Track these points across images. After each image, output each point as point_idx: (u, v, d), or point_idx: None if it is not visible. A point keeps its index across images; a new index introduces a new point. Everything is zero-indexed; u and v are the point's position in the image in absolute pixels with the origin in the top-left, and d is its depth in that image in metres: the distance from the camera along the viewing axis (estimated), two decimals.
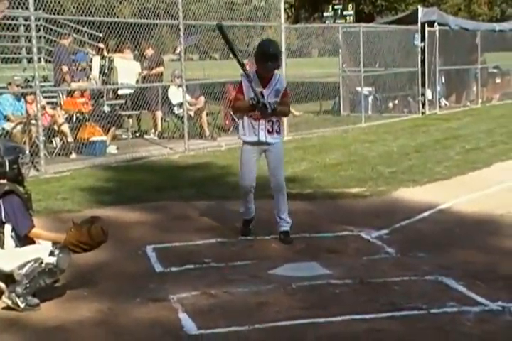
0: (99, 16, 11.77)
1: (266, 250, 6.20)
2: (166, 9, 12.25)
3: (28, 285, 4.72)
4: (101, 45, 14.02)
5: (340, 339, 4.25)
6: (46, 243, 4.89)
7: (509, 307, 4.63)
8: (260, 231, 6.63)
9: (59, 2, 11.88)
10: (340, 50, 17.12)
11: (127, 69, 13.54)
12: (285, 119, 14.04)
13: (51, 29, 13.79)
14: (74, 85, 12.47)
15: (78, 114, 12.02)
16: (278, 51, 6.28)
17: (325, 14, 22.74)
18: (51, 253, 4.77)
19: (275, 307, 4.74)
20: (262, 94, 6.02)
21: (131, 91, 13.61)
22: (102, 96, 13.33)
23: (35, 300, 4.76)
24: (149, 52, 14.00)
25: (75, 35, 13.04)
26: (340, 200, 8.01)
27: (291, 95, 14.73)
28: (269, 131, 6.18)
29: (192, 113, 13.56)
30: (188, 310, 4.70)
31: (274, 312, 4.66)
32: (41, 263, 4.74)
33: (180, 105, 12.92)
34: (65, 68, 12.31)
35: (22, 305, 4.71)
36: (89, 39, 14.71)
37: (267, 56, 6.10)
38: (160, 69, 14.04)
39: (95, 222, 4.92)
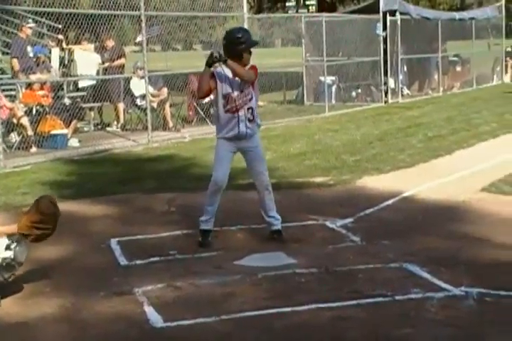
0: (58, 7, 11.57)
1: (231, 241, 6.19)
2: (126, 0, 12.10)
3: None
4: (60, 37, 13.83)
5: (306, 327, 4.25)
6: (1, 238, 4.77)
7: (472, 292, 4.68)
8: (225, 222, 6.60)
9: None
10: (303, 40, 17.13)
11: (86, 61, 13.39)
12: None
13: (8, 20, 13.54)
14: (33, 77, 12.28)
15: (38, 107, 11.85)
16: (248, 34, 6.00)
17: (287, 4, 22.72)
18: (7, 247, 4.65)
19: (241, 298, 4.72)
20: (219, 53, 5.69)
21: (92, 83, 13.44)
22: (63, 89, 13.16)
23: None
24: (110, 43, 13.85)
25: (31, 25, 12.75)
26: (305, 190, 8.02)
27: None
28: (249, 120, 5.91)
29: (155, 104, 13.47)
30: (154, 302, 4.66)
31: (240, 302, 4.64)
32: None
33: (143, 97, 12.82)
34: (15, 64, 12.04)
35: None
36: (48, 30, 14.48)
37: (237, 39, 5.83)
38: (121, 61, 13.90)
39: (40, 199, 4.81)
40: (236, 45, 5.84)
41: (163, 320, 4.39)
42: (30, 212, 4.73)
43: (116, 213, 7.17)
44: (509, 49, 24.73)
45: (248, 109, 5.93)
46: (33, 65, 12.45)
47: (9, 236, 4.74)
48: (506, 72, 24.35)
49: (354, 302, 4.58)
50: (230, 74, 5.85)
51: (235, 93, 5.87)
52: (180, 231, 6.46)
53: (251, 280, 5.09)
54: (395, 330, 4.17)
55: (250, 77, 5.89)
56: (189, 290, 4.91)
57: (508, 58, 24.35)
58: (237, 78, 5.85)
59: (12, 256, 4.65)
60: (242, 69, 5.83)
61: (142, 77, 12.64)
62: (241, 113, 5.90)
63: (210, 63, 5.76)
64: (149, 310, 4.54)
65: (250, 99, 5.93)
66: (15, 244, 4.67)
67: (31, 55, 12.55)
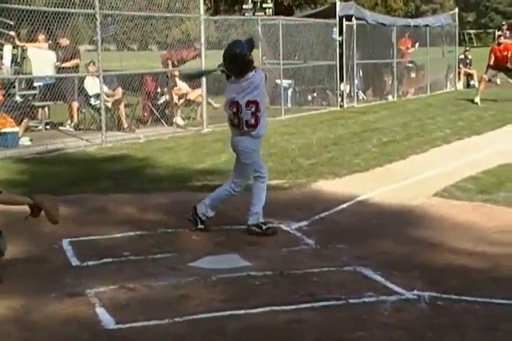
0: (10, 3, 11.31)
1: (186, 242, 6.15)
2: None
3: None
4: (12, 33, 13.56)
5: (260, 330, 4.23)
6: None
7: (424, 295, 4.73)
8: (180, 224, 6.56)
9: None
10: (259, 43, 17.14)
11: (42, 60, 13.15)
12: (204, 111, 14.04)
13: None
14: None
15: None
16: (234, 53, 6.09)
17: (244, 6, 22.75)
18: None
19: (195, 300, 4.69)
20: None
21: (51, 81, 13.21)
22: (14, 87, 12.92)
23: None
24: (64, 42, 13.63)
25: None
26: None
27: (211, 87, 14.68)
28: None
29: (109, 104, 13.33)
30: (106, 304, 4.60)
31: (194, 305, 4.61)
32: None
33: (97, 96, 12.67)
34: None
35: None
36: None
37: (224, 58, 6.12)
38: (76, 61, 13.70)
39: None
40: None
41: (115, 322, 4.33)
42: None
43: (69, 213, 7.04)
44: (462, 56, 25.17)
45: None
46: None
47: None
48: (459, 79, 24.75)
49: (308, 305, 4.58)
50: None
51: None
52: (134, 233, 6.39)
53: (205, 282, 5.06)
54: (348, 333, 4.18)
55: None
56: (142, 292, 4.86)
57: (460, 65, 24.77)
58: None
59: None
60: None
61: (97, 76, 12.47)
62: None
63: None
64: (101, 312, 4.48)
65: None
66: None
67: None
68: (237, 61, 6.10)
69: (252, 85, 6.16)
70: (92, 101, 13.42)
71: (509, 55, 18.54)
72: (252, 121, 6.22)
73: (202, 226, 6.38)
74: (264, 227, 6.33)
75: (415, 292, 4.79)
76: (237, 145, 6.36)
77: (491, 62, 18.76)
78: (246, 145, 6.30)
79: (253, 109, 6.19)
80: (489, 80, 19.41)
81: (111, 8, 12.82)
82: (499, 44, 19.10)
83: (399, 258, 5.58)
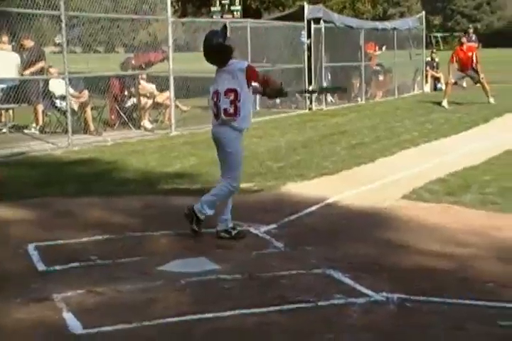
0: None
1: (154, 246, 6.10)
2: None
3: None
4: None
5: (229, 333, 4.22)
6: None
7: (393, 297, 4.74)
8: (148, 227, 6.51)
9: None
10: None
11: (6, 62, 12.95)
12: (172, 115, 13.97)
13: None
14: None
15: None
16: (211, 44, 6.16)
17: (212, 9, 22.76)
18: None
19: (164, 304, 4.65)
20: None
21: (13, 84, 13.03)
22: None
23: None
24: (29, 43, 13.43)
25: None
26: None
27: (179, 90, 14.61)
28: None
29: (76, 107, 13.20)
30: (73, 309, 4.54)
31: (162, 308, 4.58)
32: None
33: (63, 98, 12.53)
34: None
35: None
36: None
37: (204, 50, 6.14)
38: (41, 64, 13.51)
39: None
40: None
41: (82, 327, 4.27)
42: None
43: (34, 217, 6.97)
44: (428, 59, 25.40)
45: None
46: None
47: None
48: (426, 81, 24.97)
49: (277, 308, 4.57)
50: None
51: None
52: (102, 236, 6.32)
53: (174, 285, 5.02)
54: (317, 335, 4.18)
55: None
56: (110, 296, 4.80)
57: (428, 68, 25.00)
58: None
59: None
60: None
61: (63, 78, 12.32)
62: None
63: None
64: (68, 317, 4.42)
65: None
66: None
67: None
68: (215, 50, 6.10)
69: (232, 72, 6.08)
70: (58, 103, 13.26)
71: (474, 56, 18.70)
72: (231, 110, 6.03)
73: (196, 228, 6.24)
74: (233, 233, 6.29)
75: (384, 294, 4.80)
76: (217, 135, 6.23)
77: (454, 62, 18.81)
78: (227, 134, 6.16)
79: (232, 97, 6.02)
80: (455, 83, 19.57)
81: (76, 9, 12.69)
82: (461, 44, 19.24)
83: (368, 260, 5.59)
